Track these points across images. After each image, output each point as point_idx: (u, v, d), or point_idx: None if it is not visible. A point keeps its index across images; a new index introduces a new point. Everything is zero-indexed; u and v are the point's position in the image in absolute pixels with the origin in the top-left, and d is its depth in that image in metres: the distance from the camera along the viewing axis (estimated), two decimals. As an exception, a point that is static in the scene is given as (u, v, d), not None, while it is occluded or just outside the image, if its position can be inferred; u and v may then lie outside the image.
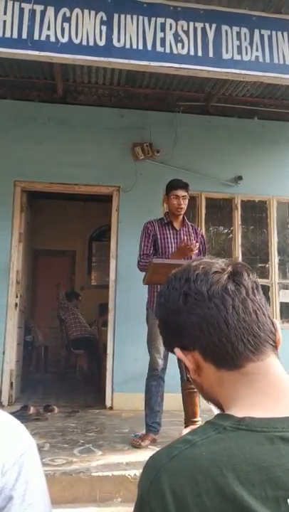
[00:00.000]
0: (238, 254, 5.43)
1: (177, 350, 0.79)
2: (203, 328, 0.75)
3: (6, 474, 0.71)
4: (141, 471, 0.67)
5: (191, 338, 0.76)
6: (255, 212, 5.69)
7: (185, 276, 0.79)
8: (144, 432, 3.56)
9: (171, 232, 3.67)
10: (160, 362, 3.52)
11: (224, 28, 3.37)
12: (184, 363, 0.79)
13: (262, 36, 3.44)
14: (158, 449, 0.69)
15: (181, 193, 3.61)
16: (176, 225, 3.71)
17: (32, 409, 4.47)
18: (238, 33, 3.39)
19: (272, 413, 0.67)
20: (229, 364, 0.74)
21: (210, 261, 0.81)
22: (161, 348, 3.50)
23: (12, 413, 0.82)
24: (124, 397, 4.74)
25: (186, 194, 3.64)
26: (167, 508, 0.60)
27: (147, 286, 3.61)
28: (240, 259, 5.38)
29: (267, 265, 5.55)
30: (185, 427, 3.18)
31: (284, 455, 0.62)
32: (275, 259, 5.50)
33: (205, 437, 0.65)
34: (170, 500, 0.60)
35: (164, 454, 0.66)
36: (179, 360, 0.82)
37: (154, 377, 3.56)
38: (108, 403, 4.90)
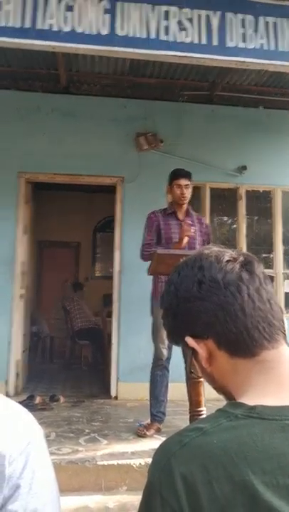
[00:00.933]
0: (243, 245, 5.42)
1: (189, 338, 0.78)
2: (219, 315, 0.74)
3: (13, 463, 0.71)
4: (146, 459, 0.68)
5: (206, 326, 0.76)
6: (260, 202, 5.66)
7: (198, 264, 0.79)
8: (148, 421, 3.59)
9: (175, 222, 3.66)
10: (165, 352, 3.54)
11: (228, 15, 3.32)
12: (196, 351, 0.78)
13: (267, 23, 3.39)
14: (163, 438, 0.70)
15: (183, 182, 3.60)
16: (180, 214, 3.70)
17: (38, 399, 4.51)
18: (243, 21, 3.35)
19: (285, 401, 0.67)
20: (245, 351, 0.74)
21: (221, 249, 0.81)
22: (166, 338, 3.51)
23: (18, 403, 0.82)
24: (129, 386, 4.77)
25: (188, 183, 3.63)
26: (178, 496, 0.60)
27: (152, 276, 3.61)
28: (244, 249, 5.36)
29: (271, 255, 5.54)
30: (190, 417, 3.21)
31: None
32: (279, 249, 5.48)
33: (216, 425, 0.65)
34: (181, 488, 0.61)
35: (174, 441, 0.66)
36: (184, 350, 0.82)
37: (159, 367, 3.57)
38: (113, 393, 4.93)
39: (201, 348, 0.78)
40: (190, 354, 0.83)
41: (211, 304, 0.75)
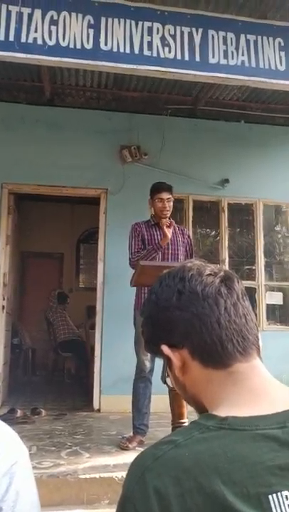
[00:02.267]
0: (225, 257, 5.47)
1: (164, 347, 0.80)
2: (195, 325, 0.76)
3: None
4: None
5: (182, 335, 0.77)
6: (242, 215, 5.74)
7: (180, 275, 0.81)
8: (131, 433, 3.56)
9: (158, 233, 3.68)
10: (147, 364, 3.53)
11: (211, 32, 3.40)
12: (171, 360, 0.79)
13: (248, 41, 3.48)
14: (145, 449, 0.71)
15: (165, 195, 3.63)
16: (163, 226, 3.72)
17: (19, 412, 4.44)
18: (225, 38, 3.43)
19: (256, 411, 0.68)
20: (217, 362, 0.75)
21: (203, 264, 0.84)
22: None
23: None
24: (112, 399, 4.74)
25: (170, 196, 3.66)
26: (151, 508, 0.61)
27: (135, 288, 3.62)
28: (227, 261, 5.42)
29: (253, 267, 5.60)
30: (172, 429, 3.20)
31: (265, 452, 0.63)
32: (261, 261, 5.55)
33: (188, 437, 0.66)
34: (154, 501, 0.61)
35: (148, 454, 0.67)
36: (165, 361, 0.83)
37: (142, 379, 3.56)
38: (96, 405, 4.89)
39: (175, 357, 0.79)
40: (165, 364, 0.84)
41: (188, 314, 0.77)
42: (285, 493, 0.61)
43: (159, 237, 3.66)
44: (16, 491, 0.69)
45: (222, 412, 0.70)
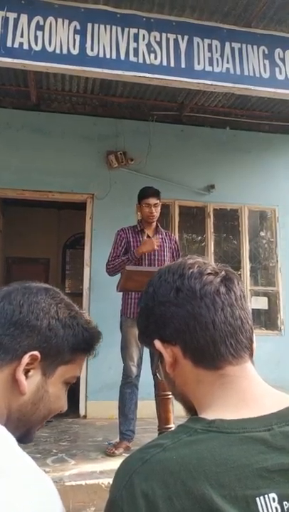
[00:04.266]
0: (211, 262, 5.48)
1: (157, 342, 0.79)
2: (189, 324, 0.76)
3: None
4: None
5: (175, 332, 0.77)
6: (228, 220, 5.78)
7: (179, 271, 0.80)
8: (118, 440, 3.54)
9: (144, 239, 3.69)
10: (134, 369, 3.52)
11: (196, 39, 3.44)
12: (162, 355, 0.79)
13: (233, 49, 3.52)
14: (133, 452, 0.70)
15: (152, 200, 3.64)
16: (149, 232, 3.73)
17: (4, 420, 4.39)
18: (210, 45, 3.47)
19: (244, 414, 0.68)
20: (208, 363, 0.75)
21: (204, 261, 0.83)
22: (135, 356, 3.51)
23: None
24: (98, 405, 4.71)
25: (157, 202, 3.67)
26: (139, 511, 0.61)
27: (121, 293, 3.62)
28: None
29: (239, 272, 5.63)
30: (158, 434, 3.19)
31: (253, 455, 0.64)
32: (246, 266, 5.59)
33: (176, 441, 0.66)
34: (142, 504, 0.61)
35: (136, 458, 0.66)
36: (153, 362, 0.83)
37: (128, 385, 3.55)
38: (82, 412, 4.86)
39: (167, 353, 0.79)
40: (156, 357, 0.84)
41: (184, 312, 0.77)
42: (272, 495, 0.62)
43: None
44: None
45: (210, 414, 0.70)
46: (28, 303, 0.83)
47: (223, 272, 0.81)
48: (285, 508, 0.61)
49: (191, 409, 0.79)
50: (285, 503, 0.62)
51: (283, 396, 0.74)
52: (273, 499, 0.61)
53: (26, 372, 0.80)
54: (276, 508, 0.61)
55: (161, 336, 0.80)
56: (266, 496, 0.61)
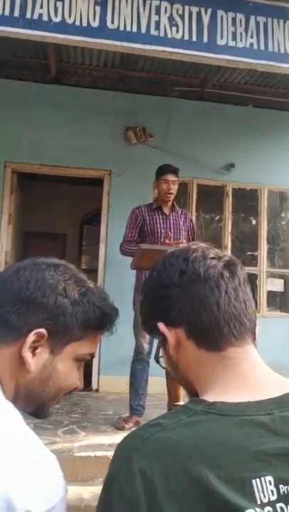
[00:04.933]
0: (228, 242, 5.46)
1: (161, 324, 0.80)
2: (194, 305, 0.77)
3: None
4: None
5: (179, 314, 0.78)
6: (246, 201, 5.70)
7: (184, 255, 0.81)
8: (128, 414, 3.61)
9: (160, 217, 3.67)
10: (145, 346, 3.56)
11: (220, 13, 3.33)
12: (166, 338, 0.80)
13: (257, 23, 3.41)
14: (133, 430, 0.72)
15: (170, 177, 3.61)
16: (166, 210, 3.71)
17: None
18: (234, 19, 3.36)
19: (245, 397, 0.69)
20: (211, 344, 0.76)
21: (208, 247, 0.84)
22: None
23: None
24: (110, 380, 4.79)
25: (175, 179, 3.64)
26: (136, 488, 0.62)
27: (135, 271, 3.63)
28: (229, 246, 5.41)
29: (256, 253, 5.59)
30: (168, 410, 3.23)
31: (252, 438, 0.65)
32: (264, 247, 5.54)
33: (176, 421, 0.67)
34: (139, 481, 0.62)
35: (136, 436, 0.68)
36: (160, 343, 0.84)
37: (139, 361, 3.60)
38: (94, 385, 4.95)
39: (170, 335, 0.79)
40: (159, 344, 0.84)
41: (188, 294, 0.77)
42: (268, 478, 0.62)
43: (161, 221, 3.65)
44: None
45: (211, 396, 0.70)
46: (35, 279, 0.82)
47: (226, 257, 0.82)
48: (281, 491, 0.62)
49: (194, 393, 0.79)
50: (281, 486, 0.62)
51: (285, 381, 0.74)
52: (270, 482, 0.62)
53: (33, 349, 0.80)
54: (272, 490, 0.62)
55: (164, 319, 0.80)
56: (262, 478, 0.62)
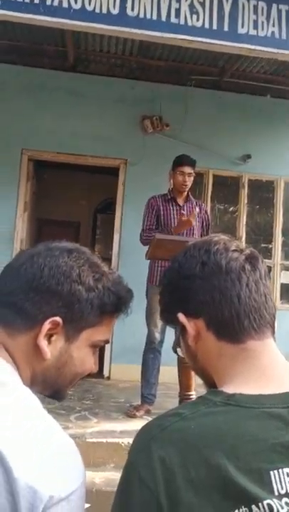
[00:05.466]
0: (242, 234, 5.43)
1: (181, 315, 0.81)
2: (215, 297, 0.77)
3: (50, 508, 0.62)
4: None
5: (199, 305, 0.78)
6: (262, 192, 5.66)
7: (206, 247, 0.81)
8: (139, 402, 3.65)
9: (174, 208, 3.66)
10: (157, 335, 3.58)
11: (241, 1, 3.28)
12: (185, 328, 0.80)
13: (280, 11, 3.34)
14: (152, 419, 0.73)
15: (187, 169, 3.59)
16: (180, 201, 3.70)
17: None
18: (255, 7, 3.30)
19: (264, 390, 0.70)
20: (231, 337, 0.76)
21: (229, 239, 0.84)
22: (159, 322, 3.55)
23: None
24: (122, 368, 4.83)
25: (192, 171, 3.62)
26: (155, 475, 0.63)
27: (149, 261, 3.64)
28: (243, 238, 5.38)
29: (270, 245, 5.55)
30: (179, 400, 3.26)
31: (269, 430, 0.65)
32: (279, 240, 5.50)
33: (195, 411, 0.68)
34: (158, 468, 0.63)
35: (155, 425, 0.69)
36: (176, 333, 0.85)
37: (151, 350, 3.62)
38: (106, 373, 5.00)
39: (190, 326, 0.80)
40: (178, 334, 0.85)
41: (209, 285, 0.78)
42: (286, 470, 0.63)
43: (174, 212, 3.64)
44: None
45: (230, 388, 0.71)
46: (49, 267, 0.80)
47: (248, 251, 0.82)
48: None
49: (211, 384, 0.80)
50: None
51: None
52: (287, 474, 0.63)
53: (49, 337, 0.79)
54: None
55: (185, 310, 0.81)
56: (280, 470, 0.63)
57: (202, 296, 0.78)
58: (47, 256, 0.82)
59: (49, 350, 0.79)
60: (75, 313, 0.81)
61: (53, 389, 0.86)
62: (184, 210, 3.67)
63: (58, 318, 0.79)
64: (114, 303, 0.85)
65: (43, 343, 0.78)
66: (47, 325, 0.78)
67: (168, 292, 0.86)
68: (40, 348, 0.78)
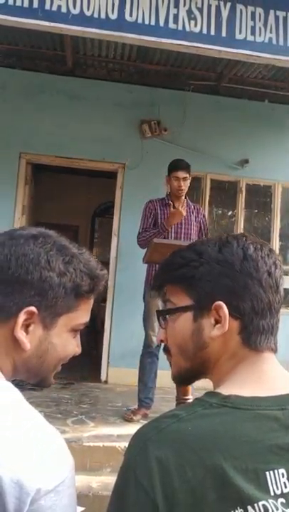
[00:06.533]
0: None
1: (224, 305, 0.77)
2: (263, 309, 0.78)
3: (39, 500, 0.62)
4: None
5: (249, 309, 0.77)
6: (260, 197, 5.67)
7: (242, 243, 0.81)
8: (136, 406, 3.64)
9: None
10: (155, 339, 3.58)
11: (239, 6, 3.30)
12: (216, 317, 0.77)
13: (277, 17, 3.36)
14: (146, 423, 0.73)
15: (181, 174, 3.60)
16: (177, 205, 3.70)
17: (28, 379, 4.54)
18: (253, 13, 3.32)
19: (259, 393, 0.71)
20: (256, 345, 0.77)
21: (261, 241, 0.84)
22: (157, 326, 3.55)
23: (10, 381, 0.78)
24: (119, 372, 4.82)
25: (187, 176, 3.63)
26: (152, 476, 0.63)
27: (146, 264, 3.64)
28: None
29: (268, 250, 5.55)
30: (176, 404, 3.25)
31: (265, 431, 0.66)
32: (276, 244, 5.51)
33: (192, 413, 0.69)
34: (155, 469, 0.64)
35: (152, 426, 0.69)
36: None
37: (149, 354, 3.62)
38: (103, 377, 4.99)
39: (227, 322, 0.77)
40: (193, 312, 0.80)
41: (261, 293, 0.78)
42: (281, 470, 0.64)
43: None
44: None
45: (226, 390, 0.72)
46: (16, 256, 0.78)
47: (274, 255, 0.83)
48: None
49: (195, 374, 0.81)
50: None
51: None
52: (282, 475, 0.64)
53: (26, 327, 0.77)
54: (284, 483, 0.64)
55: (229, 302, 0.77)
56: (276, 470, 0.64)
57: (254, 302, 0.77)
58: (12, 245, 0.79)
59: (28, 340, 0.77)
60: (49, 300, 0.78)
61: (38, 377, 0.85)
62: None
63: (32, 308, 0.77)
64: (88, 283, 0.83)
65: (20, 334, 0.76)
66: (22, 316, 0.76)
67: (210, 266, 0.78)
68: (18, 340, 0.77)
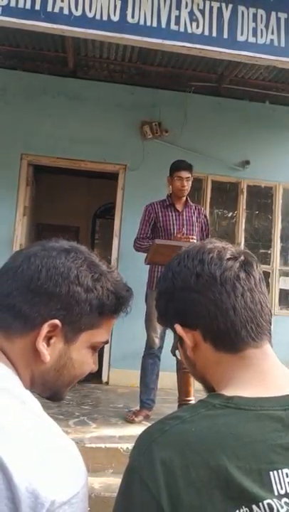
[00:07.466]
0: (241, 239, 5.44)
1: (178, 326, 0.81)
2: (210, 310, 0.77)
3: None
4: (133, 444, 0.71)
5: (196, 318, 0.79)
6: (261, 198, 5.68)
7: (199, 257, 0.81)
8: (138, 407, 3.64)
9: (173, 213, 3.68)
10: (157, 341, 3.58)
11: (241, 8, 3.31)
12: (182, 339, 0.81)
13: (278, 19, 3.37)
14: (151, 424, 0.73)
15: (184, 174, 3.61)
16: (179, 206, 3.71)
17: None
18: (255, 15, 3.33)
19: (262, 393, 0.71)
20: (229, 347, 0.77)
21: (224, 246, 0.83)
22: (158, 328, 3.55)
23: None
24: (121, 373, 4.82)
25: (189, 176, 3.64)
26: (156, 477, 0.64)
27: (148, 266, 3.64)
28: (242, 243, 5.39)
29: (269, 251, 5.56)
30: (178, 406, 3.25)
31: (268, 432, 0.66)
32: (277, 245, 5.52)
33: (195, 414, 0.69)
34: (160, 470, 0.64)
35: (156, 428, 0.70)
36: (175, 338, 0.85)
37: (151, 356, 3.62)
38: (104, 378, 4.99)
39: (187, 338, 0.81)
40: (176, 339, 0.86)
41: (204, 298, 0.78)
42: (285, 470, 0.64)
43: (173, 218, 3.66)
44: None
45: (229, 391, 0.72)
46: (47, 268, 0.78)
47: (242, 257, 0.81)
48: None
49: (211, 390, 0.81)
50: None
51: None
52: (286, 474, 0.64)
53: (48, 339, 0.78)
54: (288, 483, 0.64)
55: (181, 321, 0.81)
56: (280, 470, 0.64)
57: (198, 309, 0.78)
58: (44, 257, 0.80)
59: (48, 353, 0.78)
60: (73, 315, 0.79)
61: (52, 391, 0.85)
62: (182, 215, 3.69)
63: (56, 321, 0.77)
64: (114, 303, 0.84)
65: (42, 346, 0.77)
66: (46, 328, 0.77)
67: (164, 300, 0.85)
68: (39, 352, 0.77)
